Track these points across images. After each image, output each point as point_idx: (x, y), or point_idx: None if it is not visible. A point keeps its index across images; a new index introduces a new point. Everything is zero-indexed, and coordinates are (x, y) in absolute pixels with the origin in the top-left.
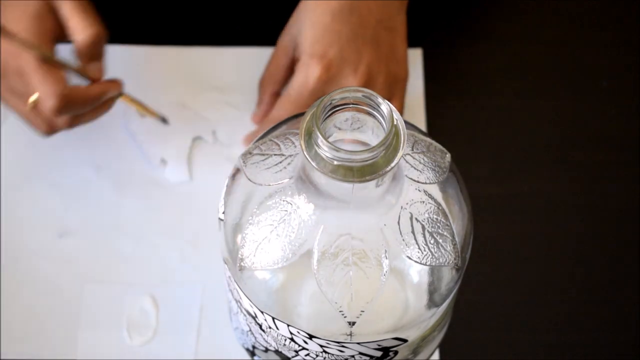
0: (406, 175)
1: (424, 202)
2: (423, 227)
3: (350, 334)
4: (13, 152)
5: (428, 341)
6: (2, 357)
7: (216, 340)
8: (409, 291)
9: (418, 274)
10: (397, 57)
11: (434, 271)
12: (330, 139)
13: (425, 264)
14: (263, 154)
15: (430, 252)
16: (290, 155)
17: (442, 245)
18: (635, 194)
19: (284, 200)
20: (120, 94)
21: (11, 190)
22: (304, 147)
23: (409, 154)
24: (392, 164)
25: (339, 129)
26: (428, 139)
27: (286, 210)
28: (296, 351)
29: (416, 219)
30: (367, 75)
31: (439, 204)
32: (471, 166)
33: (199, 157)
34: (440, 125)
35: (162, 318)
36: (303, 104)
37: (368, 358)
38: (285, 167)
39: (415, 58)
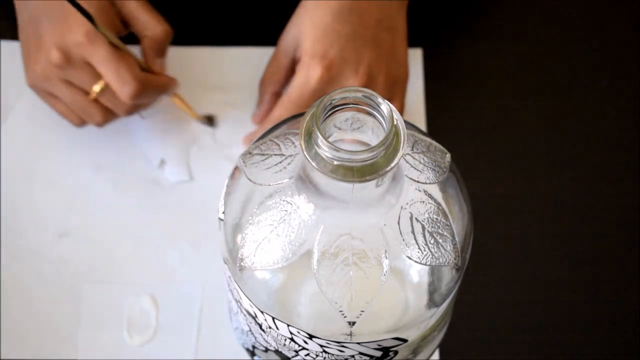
0: (406, 175)
1: (424, 202)
2: (423, 227)
3: (350, 334)
4: (13, 152)
5: (428, 341)
6: (2, 357)
7: (216, 340)
8: (409, 291)
9: (418, 274)
10: (397, 58)
11: (434, 271)
12: (330, 139)
13: (425, 264)
14: (263, 154)
15: (430, 252)
16: (290, 155)
17: (442, 245)
18: (635, 194)
19: (284, 200)
20: (174, 93)
21: (11, 190)
22: (304, 147)
23: (409, 154)
24: (392, 164)
25: (339, 129)
26: (428, 139)
27: (286, 210)
28: (296, 351)
29: (416, 219)
30: (367, 76)
31: (439, 204)
32: (471, 166)
33: (199, 157)
34: (440, 125)
35: (162, 318)
36: (304, 104)
37: (368, 358)
38: (285, 167)
39: (415, 58)
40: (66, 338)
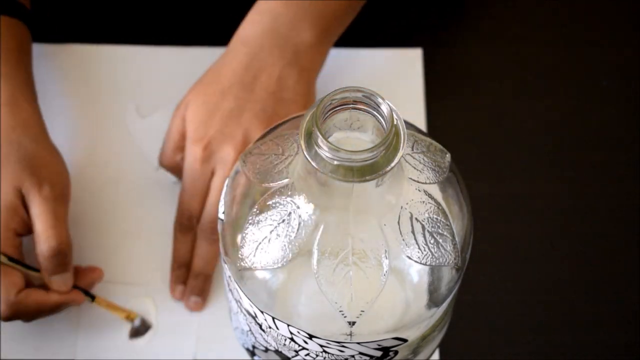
0: (406, 175)
1: (424, 202)
2: (423, 227)
3: (350, 334)
4: None
5: (428, 341)
6: (2, 357)
7: (216, 340)
8: (409, 291)
9: (418, 274)
10: (282, 103)
11: (434, 271)
12: (330, 139)
13: (425, 264)
14: (263, 154)
15: (430, 252)
16: (290, 155)
17: (442, 245)
18: (635, 194)
19: (284, 200)
20: (93, 298)
21: None
22: (304, 147)
23: (409, 154)
24: (392, 164)
25: (339, 129)
26: (428, 139)
27: (286, 210)
28: (296, 351)
29: (416, 218)
30: (247, 142)
31: (439, 204)
32: (471, 166)
33: None
34: (440, 125)
35: (162, 318)
36: (199, 188)
37: (368, 358)
38: (285, 167)
39: (415, 58)
40: (66, 338)
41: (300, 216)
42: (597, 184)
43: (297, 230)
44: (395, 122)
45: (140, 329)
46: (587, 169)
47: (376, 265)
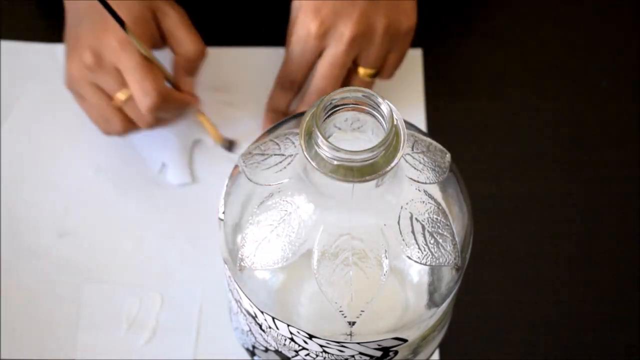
0: (406, 175)
1: (424, 202)
2: (423, 227)
3: (350, 334)
4: (13, 152)
5: (428, 341)
6: (2, 357)
7: (216, 340)
8: (409, 291)
9: (418, 274)
10: (400, 7)
11: (434, 271)
12: (330, 139)
13: (425, 264)
14: (263, 154)
15: (430, 252)
16: (290, 155)
17: (442, 245)
18: (635, 194)
19: (284, 200)
20: (198, 111)
21: (11, 190)
22: (304, 147)
23: (409, 154)
24: (392, 164)
25: (339, 129)
26: (428, 139)
27: (286, 210)
28: (296, 351)
29: (416, 218)
30: (362, 25)
31: (439, 204)
32: (471, 166)
33: (199, 157)
34: (440, 125)
35: (161, 318)
36: (304, 62)
37: (368, 358)
38: (285, 167)
39: (415, 58)
40: (65, 338)
41: (300, 216)
42: (597, 184)
43: (297, 230)
44: (395, 122)
45: (230, 147)
46: (588, 169)
47: (376, 265)
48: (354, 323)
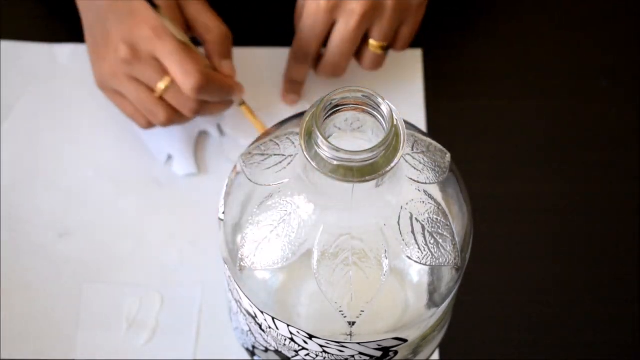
0: (406, 175)
1: (424, 202)
2: (423, 227)
3: (350, 334)
4: (13, 152)
5: (428, 341)
6: (2, 357)
7: (216, 340)
8: (409, 291)
9: (418, 274)
10: None
11: (434, 271)
12: (330, 139)
13: (425, 264)
14: (263, 154)
15: (430, 252)
16: (290, 155)
17: (442, 245)
18: (635, 194)
19: (284, 200)
20: (242, 102)
21: (11, 190)
22: (304, 147)
23: (409, 154)
24: (392, 164)
25: (339, 129)
26: (428, 139)
27: (286, 210)
28: (296, 351)
29: (416, 219)
30: (373, 0)
31: (439, 204)
32: (471, 166)
33: (200, 157)
34: (440, 125)
35: (161, 318)
36: (318, 34)
37: (368, 358)
38: (285, 167)
39: (415, 58)
40: (66, 338)
41: (300, 216)
42: (597, 184)
43: (297, 230)
44: (395, 122)
45: None
46: (587, 169)
47: (376, 265)
48: (354, 323)
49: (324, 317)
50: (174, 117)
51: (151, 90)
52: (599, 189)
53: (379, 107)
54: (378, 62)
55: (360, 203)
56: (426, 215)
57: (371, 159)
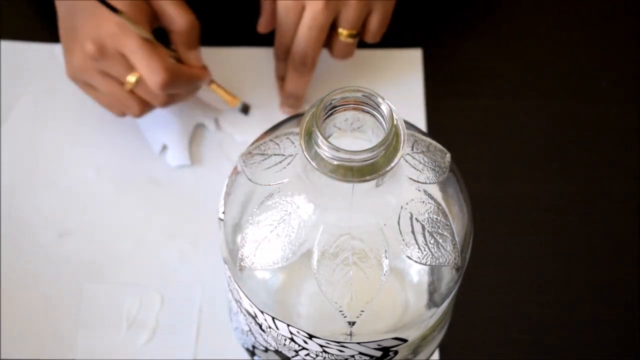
0: (406, 175)
1: (424, 202)
2: (423, 227)
3: (350, 334)
4: (13, 152)
5: (428, 341)
6: (2, 357)
7: (216, 340)
8: (409, 291)
9: (418, 274)
10: None
11: (434, 271)
12: (330, 139)
13: (425, 264)
14: (263, 154)
15: (430, 252)
16: (290, 155)
17: (442, 245)
18: (635, 193)
19: (284, 200)
20: (211, 81)
21: (11, 190)
22: (304, 147)
23: (408, 154)
24: (392, 164)
25: (339, 128)
26: (428, 139)
27: (286, 210)
28: (296, 351)
29: (416, 218)
30: None
31: (439, 204)
32: (471, 166)
33: (200, 157)
34: (440, 125)
35: (161, 318)
36: (291, 22)
37: (368, 358)
38: (285, 167)
39: (415, 58)
40: (66, 338)
41: (300, 216)
42: (597, 184)
43: (297, 230)
44: (395, 122)
45: (245, 110)
46: (587, 169)
47: (376, 265)
48: (354, 323)
49: (324, 317)
50: (147, 108)
51: (122, 83)
52: (599, 189)
53: (379, 107)
54: (348, 51)
55: (360, 203)
56: (426, 215)
57: (371, 159)
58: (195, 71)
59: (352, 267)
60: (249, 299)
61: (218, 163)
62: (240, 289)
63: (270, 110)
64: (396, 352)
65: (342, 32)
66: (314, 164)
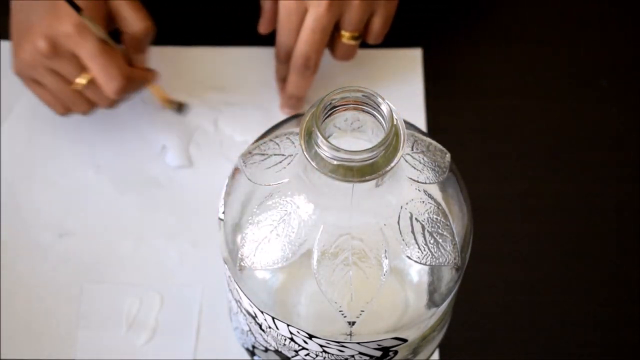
0: (406, 175)
1: (423, 202)
2: (423, 227)
3: (350, 334)
4: (13, 152)
5: (428, 341)
6: (2, 357)
7: (216, 340)
8: (409, 291)
9: (418, 273)
10: None
11: (434, 271)
12: (330, 139)
13: (425, 264)
14: (263, 154)
15: (430, 252)
16: (290, 155)
17: (442, 245)
18: (635, 194)
19: (284, 200)
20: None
21: (11, 190)
22: (304, 147)
23: (408, 154)
24: (392, 164)
25: (339, 128)
26: (428, 139)
27: (286, 210)
28: (296, 351)
29: (416, 218)
30: None
31: (438, 204)
32: (471, 166)
33: (200, 157)
34: (440, 125)
35: (161, 318)
36: (294, 24)
37: (368, 358)
38: (285, 167)
39: (415, 58)
40: (66, 338)
41: (300, 216)
42: (597, 184)
43: (297, 230)
44: (395, 122)
45: (179, 109)
46: (587, 169)
47: (376, 265)
48: (353, 323)
49: (324, 317)
50: (93, 108)
51: (69, 83)
52: (599, 189)
53: (379, 107)
54: (350, 53)
55: (360, 203)
56: (426, 215)
57: (371, 159)
58: (145, 74)
59: (352, 267)
60: (248, 299)
61: (218, 163)
62: (240, 289)
63: (270, 110)
64: (396, 352)
65: (345, 34)
66: (314, 164)
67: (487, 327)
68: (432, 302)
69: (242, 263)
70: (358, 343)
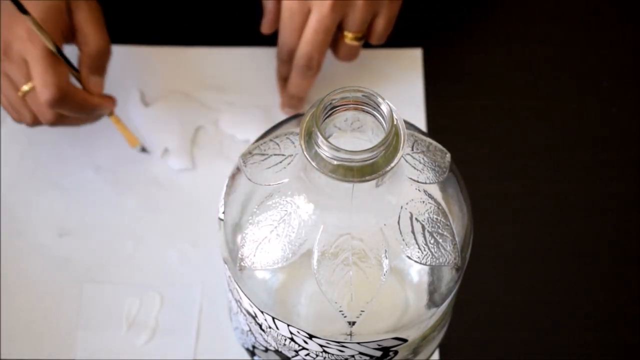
0: (406, 175)
1: (424, 202)
2: (423, 227)
3: (350, 334)
4: (13, 152)
5: (428, 341)
6: (2, 357)
7: (216, 340)
8: (409, 291)
9: (418, 273)
10: None
11: (434, 271)
12: (330, 139)
13: (425, 264)
14: (263, 154)
15: (430, 252)
16: (290, 155)
17: (442, 245)
18: (636, 194)
19: (284, 200)
20: (111, 113)
21: (11, 190)
22: (304, 147)
23: (409, 154)
24: (392, 164)
25: (339, 129)
26: (428, 139)
27: (286, 210)
28: (296, 351)
29: (416, 218)
30: None
31: (439, 204)
32: (471, 166)
33: (200, 157)
34: (440, 125)
35: (161, 318)
36: (297, 24)
37: (368, 358)
38: (285, 167)
39: (415, 58)
40: (66, 338)
41: (300, 216)
42: (597, 184)
43: (297, 230)
44: (395, 122)
45: (144, 150)
46: (588, 169)
47: (376, 265)
48: (354, 323)
49: (324, 317)
50: (37, 121)
51: (17, 89)
52: (599, 189)
53: (379, 107)
54: (353, 54)
55: (360, 203)
56: (426, 215)
57: (371, 159)
58: (93, 98)
59: (352, 267)
60: (249, 299)
61: (218, 163)
62: (240, 289)
63: (270, 110)
64: (396, 352)
65: (348, 34)
66: (314, 164)
67: (487, 327)
68: (432, 302)
69: (242, 263)
70: (358, 343)
